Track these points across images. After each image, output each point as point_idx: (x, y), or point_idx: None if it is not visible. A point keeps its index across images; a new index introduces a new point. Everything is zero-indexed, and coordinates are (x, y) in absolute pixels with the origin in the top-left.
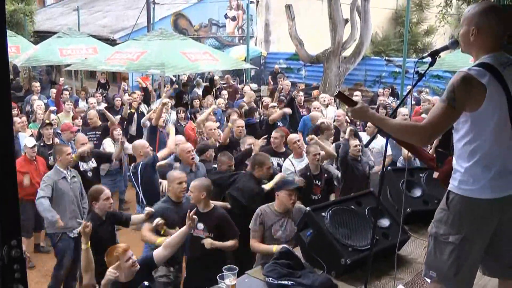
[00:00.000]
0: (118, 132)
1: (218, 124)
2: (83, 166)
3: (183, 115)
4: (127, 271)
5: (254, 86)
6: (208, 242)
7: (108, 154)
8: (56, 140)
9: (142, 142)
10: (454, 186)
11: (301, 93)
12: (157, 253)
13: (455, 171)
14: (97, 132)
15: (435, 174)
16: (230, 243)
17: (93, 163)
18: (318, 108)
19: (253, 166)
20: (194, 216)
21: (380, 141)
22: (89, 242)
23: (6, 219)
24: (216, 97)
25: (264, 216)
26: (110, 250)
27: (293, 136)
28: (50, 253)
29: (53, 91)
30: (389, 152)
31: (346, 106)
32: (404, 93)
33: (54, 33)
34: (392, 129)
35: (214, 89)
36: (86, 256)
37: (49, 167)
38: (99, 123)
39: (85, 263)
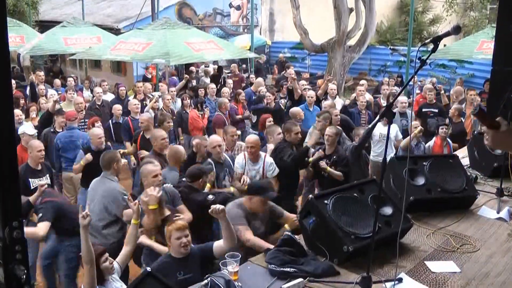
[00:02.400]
0: (98, 124)
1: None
2: (34, 182)
3: (188, 101)
4: (176, 248)
5: None
6: None
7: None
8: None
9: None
10: None
11: (305, 82)
12: (217, 245)
13: None
14: (86, 120)
15: None
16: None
17: (46, 179)
18: (312, 97)
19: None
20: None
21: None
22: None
23: (7, 200)
24: (222, 86)
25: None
26: (171, 222)
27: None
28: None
29: (57, 81)
30: (400, 137)
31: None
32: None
33: (59, 22)
34: None
35: (222, 76)
36: (134, 231)
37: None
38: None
39: (131, 237)
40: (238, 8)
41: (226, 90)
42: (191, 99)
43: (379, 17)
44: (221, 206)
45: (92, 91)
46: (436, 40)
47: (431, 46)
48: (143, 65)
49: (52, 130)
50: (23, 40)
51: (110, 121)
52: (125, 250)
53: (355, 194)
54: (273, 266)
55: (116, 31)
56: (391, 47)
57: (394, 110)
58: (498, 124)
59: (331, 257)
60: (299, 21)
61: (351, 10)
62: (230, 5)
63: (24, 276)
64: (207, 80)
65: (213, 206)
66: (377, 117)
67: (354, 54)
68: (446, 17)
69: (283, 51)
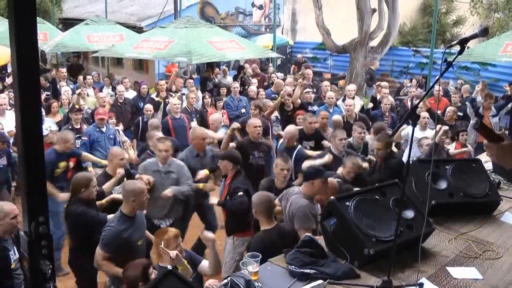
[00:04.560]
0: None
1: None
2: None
3: (209, 100)
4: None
5: (280, 75)
6: None
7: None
8: (84, 126)
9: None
10: None
11: (327, 83)
12: (203, 265)
13: None
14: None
15: None
16: None
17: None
18: (332, 98)
19: None
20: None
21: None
22: None
23: (34, 196)
24: (243, 84)
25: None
26: (159, 233)
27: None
28: None
29: (81, 78)
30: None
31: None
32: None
33: (82, 20)
34: None
35: (240, 76)
36: None
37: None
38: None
39: None
40: (261, 7)
41: (253, 89)
42: (211, 98)
43: (402, 18)
44: (212, 236)
45: (114, 89)
46: (463, 42)
47: (456, 48)
48: (165, 63)
49: (70, 127)
50: (46, 38)
51: (140, 118)
52: None
53: (376, 197)
54: (293, 267)
55: (138, 30)
56: (414, 48)
57: None
58: (500, 138)
59: (352, 260)
60: (322, 21)
61: (374, 10)
62: (253, 5)
63: (50, 271)
64: (225, 80)
65: (205, 233)
66: (402, 120)
67: (376, 55)
68: (470, 18)
69: (305, 51)
